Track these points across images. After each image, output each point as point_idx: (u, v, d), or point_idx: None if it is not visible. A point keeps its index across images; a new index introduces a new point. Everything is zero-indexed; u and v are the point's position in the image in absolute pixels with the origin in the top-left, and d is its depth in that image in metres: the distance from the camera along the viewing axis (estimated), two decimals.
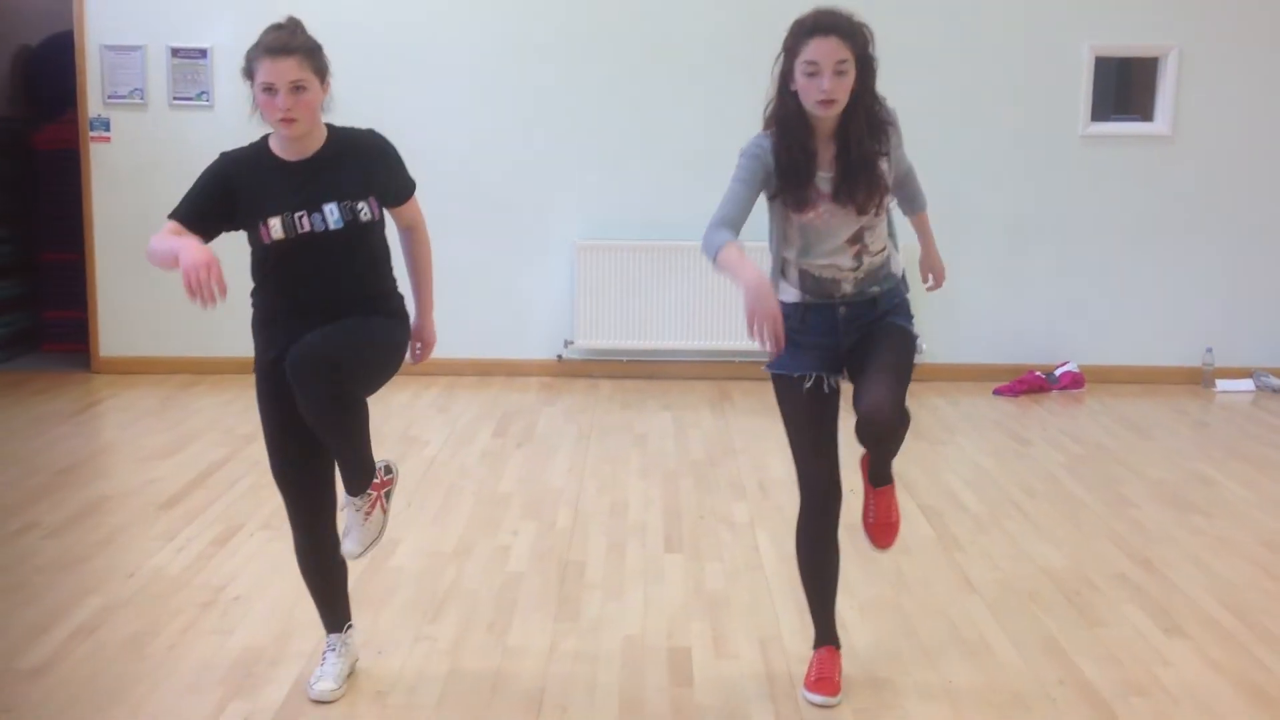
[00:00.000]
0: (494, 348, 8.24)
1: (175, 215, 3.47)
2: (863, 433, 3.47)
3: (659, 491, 5.78)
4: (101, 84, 8.02)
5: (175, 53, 8.01)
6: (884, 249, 3.59)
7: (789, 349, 3.60)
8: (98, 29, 8.00)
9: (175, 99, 8.04)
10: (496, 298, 8.21)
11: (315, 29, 3.55)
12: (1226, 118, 8.09)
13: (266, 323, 3.63)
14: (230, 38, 7.74)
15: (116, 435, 7.00)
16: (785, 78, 3.44)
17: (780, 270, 3.60)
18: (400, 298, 3.74)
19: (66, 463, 6.20)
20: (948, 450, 6.57)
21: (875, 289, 3.58)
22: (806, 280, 3.56)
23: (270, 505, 4.91)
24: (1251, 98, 8.09)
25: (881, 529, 3.81)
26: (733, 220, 3.36)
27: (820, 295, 3.56)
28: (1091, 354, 8.20)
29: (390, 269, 3.71)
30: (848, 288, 3.55)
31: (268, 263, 3.58)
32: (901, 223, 3.77)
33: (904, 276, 3.74)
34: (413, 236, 3.86)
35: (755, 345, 4.86)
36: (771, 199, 3.50)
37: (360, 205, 3.54)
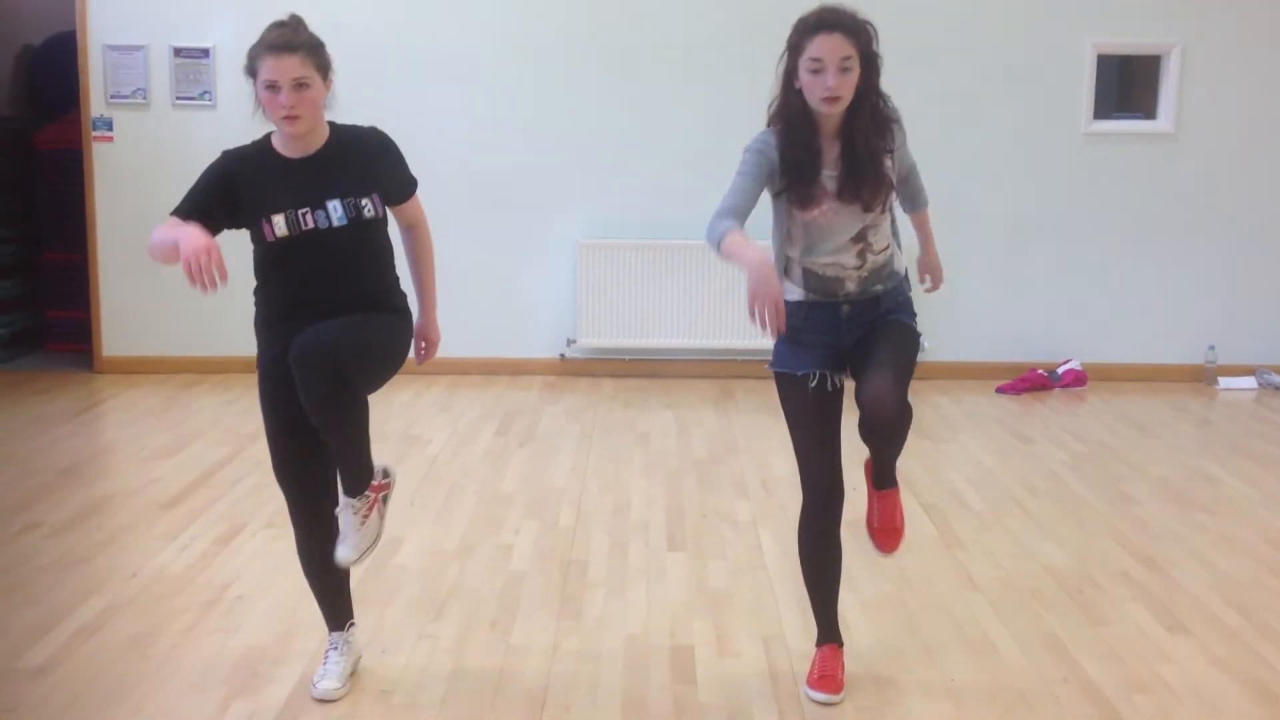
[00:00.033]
0: (496, 347, 8.24)
1: (177, 213, 3.47)
2: (865, 426, 3.46)
3: (661, 490, 5.78)
4: (104, 84, 8.02)
5: (178, 52, 8.01)
6: (887, 247, 3.59)
7: (792, 347, 3.60)
8: (100, 29, 8.00)
9: (178, 98, 8.04)
10: (499, 297, 8.21)
11: (316, 29, 3.56)
12: (1229, 115, 8.08)
13: (269, 320, 3.63)
14: (232, 37, 7.73)
15: (119, 435, 7.01)
16: (789, 75, 3.44)
17: (784, 269, 3.59)
18: (403, 295, 3.75)
19: (69, 462, 6.21)
20: (950, 448, 6.56)
21: (879, 287, 3.58)
22: (810, 279, 3.56)
23: (273, 504, 4.91)
24: (1254, 95, 8.09)
25: (885, 533, 3.78)
26: (737, 210, 3.35)
27: (824, 294, 3.56)
28: (1094, 352, 8.19)
29: (393, 267, 3.71)
30: (851, 286, 3.55)
31: (270, 260, 3.58)
32: (901, 221, 3.77)
33: (907, 275, 3.74)
34: (415, 235, 3.86)
35: (755, 345, 4.80)
36: (776, 196, 3.50)
37: (364, 202, 3.55)
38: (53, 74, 8.90)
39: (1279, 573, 4.81)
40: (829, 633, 3.82)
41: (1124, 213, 8.17)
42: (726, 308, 8.04)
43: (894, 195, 3.58)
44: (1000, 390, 7.90)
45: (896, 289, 3.63)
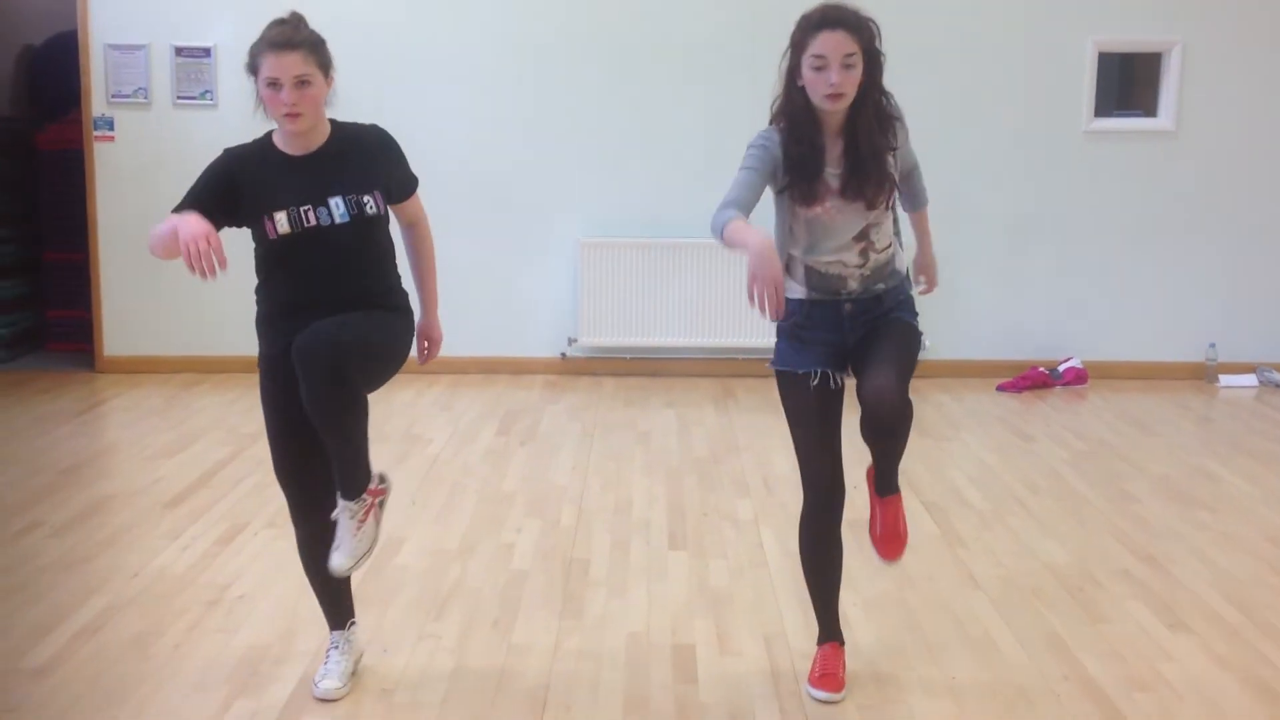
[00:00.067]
0: (497, 346, 8.24)
1: (179, 211, 3.47)
2: (867, 424, 3.45)
3: (663, 489, 5.78)
4: (105, 83, 8.02)
5: (179, 51, 8.01)
6: (889, 246, 3.59)
7: (793, 345, 3.60)
8: (101, 28, 8.01)
9: (179, 98, 8.04)
10: (500, 296, 8.21)
11: (316, 28, 3.56)
12: (1230, 113, 8.08)
13: (271, 318, 3.64)
14: (233, 36, 7.73)
15: (120, 435, 7.01)
16: (792, 73, 3.44)
17: (786, 267, 3.59)
18: (405, 294, 3.75)
19: (70, 462, 6.21)
20: (952, 446, 6.57)
21: (880, 286, 3.58)
22: (812, 277, 3.56)
23: (274, 504, 4.91)
24: (1255, 92, 8.09)
25: (888, 541, 3.74)
26: (740, 202, 3.34)
27: (826, 292, 3.56)
28: (1095, 350, 8.19)
29: (395, 265, 3.72)
30: (854, 285, 3.55)
31: (272, 258, 3.58)
32: (900, 220, 3.76)
33: (909, 274, 3.74)
34: (415, 233, 3.87)
35: (756, 344, 4.77)
36: (779, 193, 3.50)
37: (366, 199, 3.55)
38: (54, 74, 8.91)
39: (1279, 570, 4.83)
40: (830, 631, 3.83)
41: (1125, 210, 8.17)
42: (727, 306, 8.05)
43: (896, 193, 3.58)
44: (1001, 388, 7.90)
45: (898, 287, 3.63)
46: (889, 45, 3.48)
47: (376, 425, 3.67)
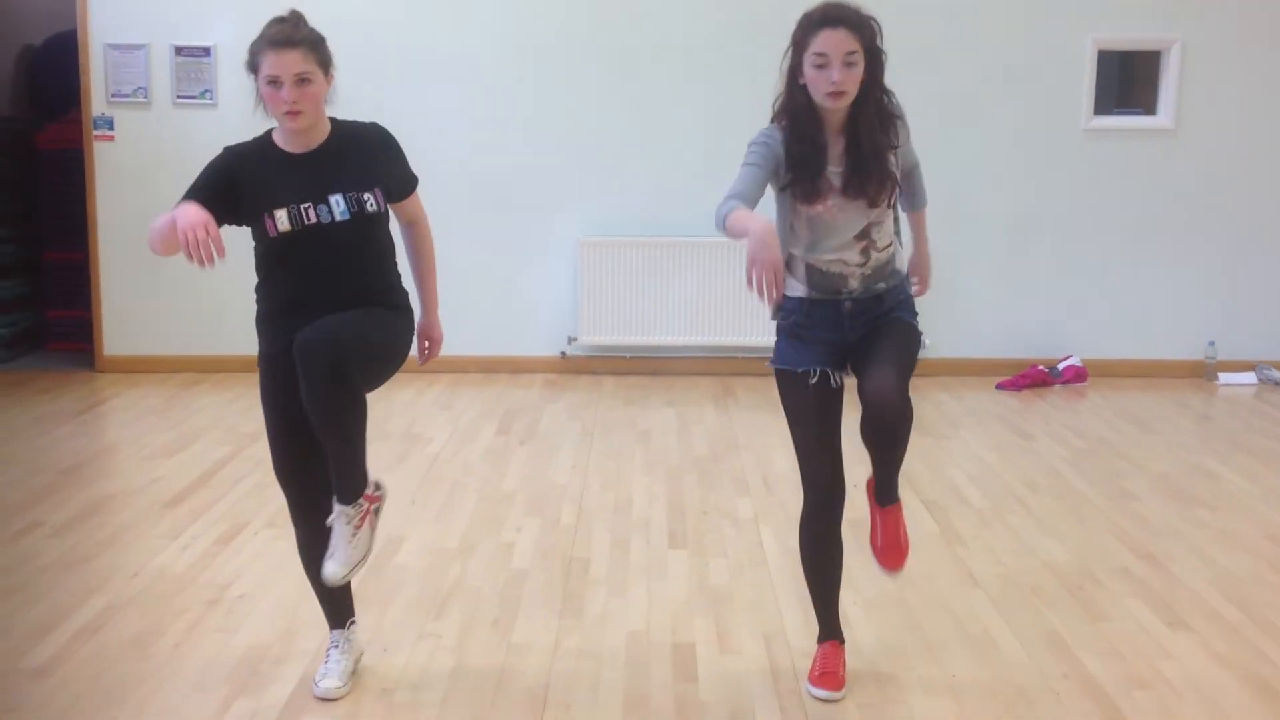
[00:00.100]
0: (497, 345, 8.24)
1: None
2: (867, 424, 3.44)
3: (662, 488, 5.78)
4: (105, 83, 8.02)
5: (179, 51, 8.01)
6: (890, 245, 3.59)
7: (793, 344, 3.60)
8: (101, 28, 8.01)
9: (179, 97, 8.04)
10: (499, 295, 8.21)
11: (316, 27, 3.56)
12: (1229, 111, 8.08)
13: (271, 316, 3.64)
14: (233, 36, 7.72)
15: (120, 434, 7.02)
16: (794, 72, 3.44)
17: (787, 265, 3.59)
18: (405, 292, 3.75)
19: (70, 462, 6.21)
20: (951, 445, 6.57)
21: (881, 285, 3.58)
22: (813, 275, 3.55)
23: (274, 504, 4.91)
24: (1254, 90, 8.09)
25: (889, 551, 3.72)
26: (743, 195, 3.32)
27: (826, 291, 3.56)
28: (1094, 348, 8.19)
29: (395, 263, 3.72)
30: (854, 283, 3.55)
31: (273, 256, 3.58)
32: (899, 220, 3.76)
33: (909, 273, 3.74)
34: (415, 232, 3.87)
35: (756, 343, 4.72)
36: (781, 190, 3.50)
37: (366, 196, 3.55)
38: (53, 73, 8.91)
39: (1279, 568, 4.81)
40: (830, 630, 3.83)
41: (1124, 208, 8.17)
42: (727, 305, 8.05)
43: (897, 191, 3.58)
44: (1001, 386, 7.90)
45: (899, 287, 3.63)
46: (889, 44, 3.48)
47: (376, 424, 3.67)
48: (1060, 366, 8.01)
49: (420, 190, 3.83)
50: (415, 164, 3.77)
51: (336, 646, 3.83)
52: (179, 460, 6.19)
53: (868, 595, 4.44)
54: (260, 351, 3.67)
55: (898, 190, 3.56)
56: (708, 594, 4.53)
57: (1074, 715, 3.64)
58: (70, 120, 8.40)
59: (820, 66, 3.37)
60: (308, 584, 3.86)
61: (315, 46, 3.50)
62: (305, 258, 3.55)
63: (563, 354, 8.29)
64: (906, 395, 3.45)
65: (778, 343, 3.67)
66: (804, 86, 3.42)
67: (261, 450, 4.14)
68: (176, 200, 3.48)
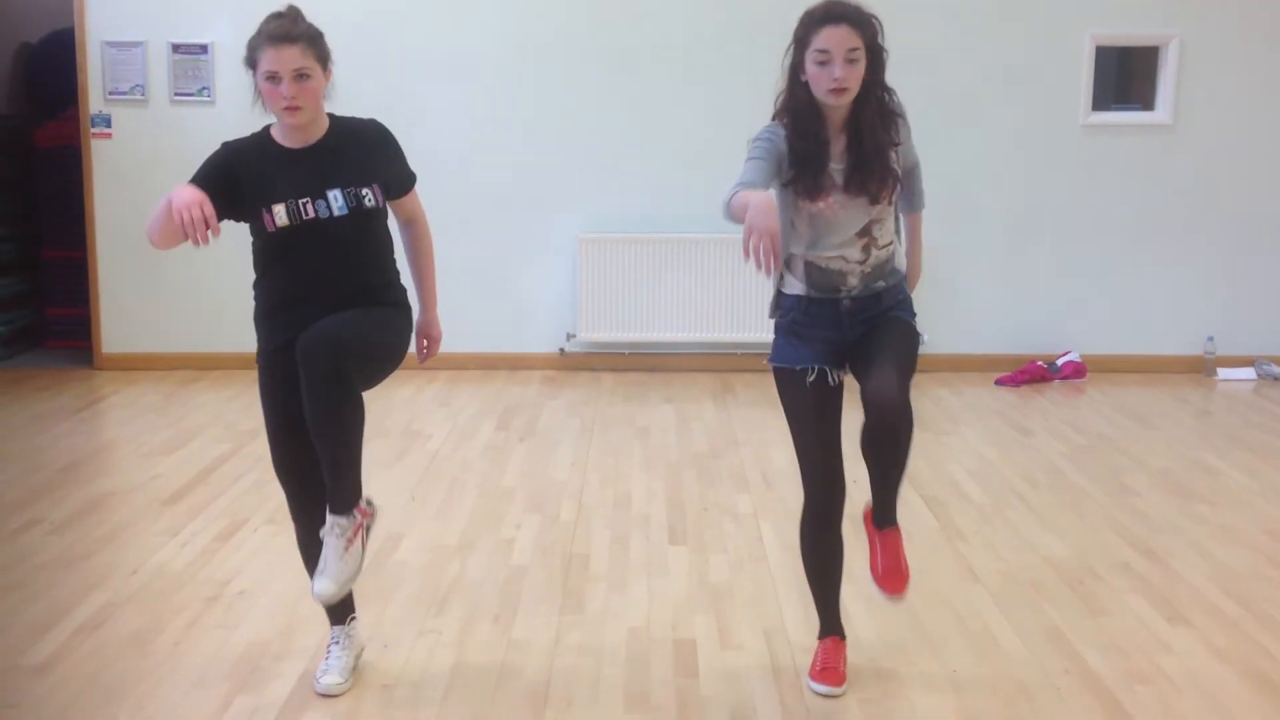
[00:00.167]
0: (496, 342, 8.25)
1: None
2: (869, 425, 3.42)
3: (662, 484, 5.78)
4: (102, 80, 8.02)
5: (176, 48, 8.01)
6: (891, 243, 3.59)
7: (791, 341, 3.60)
8: (98, 25, 8.00)
9: (176, 95, 8.04)
10: (499, 292, 8.21)
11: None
12: (1227, 106, 8.09)
13: (270, 312, 3.63)
14: (231, 33, 7.73)
15: (119, 431, 7.01)
16: (796, 69, 3.44)
17: (787, 263, 3.58)
18: (403, 289, 3.75)
19: (69, 459, 6.21)
20: (951, 440, 6.57)
21: (880, 284, 3.57)
22: (812, 273, 3.55)
23: (273, 500, 4.91)
24: (1252, 86, 8.09)
25: (890, 576, 3.68)
26: (750, 185, 3.30)
27: (825, 289, 3.55)
28: (1093, 343, 8.20)
29: (393, 260, 3.71)
30: (854, 281, 3.54)
31: (271, 251, 3.58)
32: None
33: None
34: (414, 230, 3.86)
35: (755, 339, 4.69)
36: (784, 186, 3.49)
37: (364, 192, 3.55)
38: (51, 71, 8.90)
39: (1278, 563, 4.82)
40: (831, 625, 3.83)
41: (1123, 204, 8.17)
42: (726, 302, 8.06)
43: (899, 189, 3.57)
44: (1000, 382, 7.91)
45: (898, 286, 3.62)
46: (887, 41, 3.48)
47: (375, 421, 3.67)
48: (1059, 362, 8.02)
49: (420, 188, 3.82)
50: (415, 162, 3.77)
51: (337, 643, 3.83)
52: (178, 457, 6.18)
53: (868, 591, 4.39)
54: (259, 348, 3.66)
55: (899, 187, 3.55)
56: (708, 590, 4.53)
57: (1075, 710, 3.64)
58: (68, 118, 8.39)
59: (822, 63, 3.36)
60: (308, 580, 3.85)
61: (314, 42, 3.50)
62: (303, 253, 3.54)
63: (562, 351, 8.29)
64: (908, 398, 3.43)
65: (776, 340, 3.66)
66: (806, 84, 3.41)
67: (261, 447, 4.13)
68: None
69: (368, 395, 3.52)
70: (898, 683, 3.80)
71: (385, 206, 3.65)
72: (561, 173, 8.16)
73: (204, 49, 7.99)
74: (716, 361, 8.25)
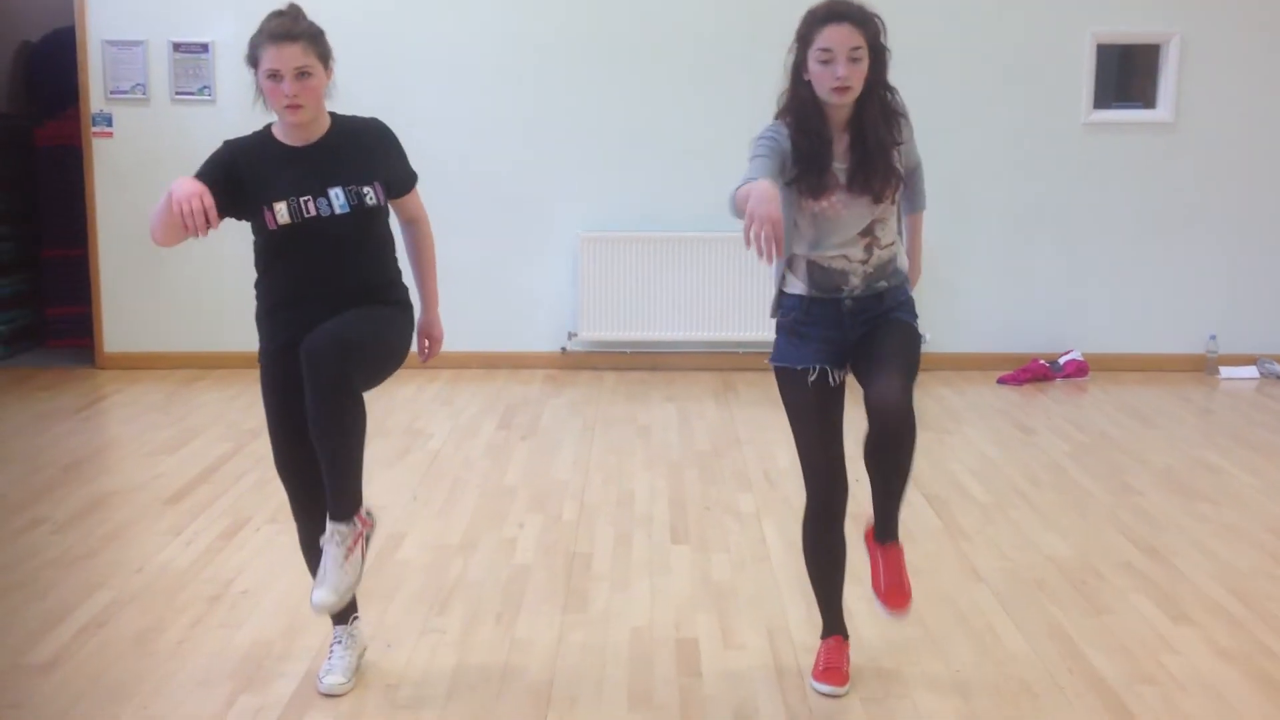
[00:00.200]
0: (498, 341, 8.24)
1: None
2: (873, 430, 3.41)
3: (664, 483, 5.78)
4: (103, 79, 8.02)
5: (177, 47, 8.01)
6: (893, 243, 3.58)
7: (792, 341, 3.59)
8: (99, 24, 8.00)
9: (177, 94, 8.04)
10: (500, 291, 8.21)
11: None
12: (1229, 104, 8.09)
13: (271, 311, 3.63)
14: (231, 32, 7.73)
15: (121, 430, 7.01)
16: (799, 68, 3.44)
17: (789, 264, 3.58)
18: (405, 288, 3.75)
19: (72, 458, 6.21)
20: (953, 439, 6.57)
21: (882, 284, 3.56)
22: (814, 272, 3.54)
23: (276, 499, 4.90)
24: (1253, 84, 8.09)
25: (893, 593, 3.64)
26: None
27: (827, 289, 3.54)
28: (1095, 342, 8.20)
29: (395, 259, 3.71)
30: (856, 281, 3.53)
31: (272, 249, 3.57)
32: None
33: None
34: (416, 230, 3.86)
35: (756, 338, 4.66)
36: (787, 185, 3.49)
37: (365, 190, 3.54)
38: (52, 70, 8.90)
39: None
40: (834, 625, 3.82)
41: (1125, 202, 8.17)
42: (727, 300, 8.06)
43: (902, 188, 3.57)
44: (1002, 381, 7.90)
45: (900, 287, 3.60)
46: (888, 40, 3.48)
47: (377, 421, 3.67)
48: (1061, 361, 8.02)
49: (421, 187, 3.82)
50: (416, 161, 3.77)
51: (340, 642, 3.82)
52: (180, 456, 6.18)
53: (871, 590, 4.42)
54: (260, 348, 3.66)
55: (902, 186, 3.55)
56: (711, 589, 4.53)
57: (1078, 710, 3.64)
58: (69, 117, 8.40)
59: (825, 62, 3.36)
60: (310, 580, 3.85)
61: (315, 40, 3.50)
62: (305, 251, 3.54)
63: (563, 349, 8.28)
64: (911, 405, 3.41)
65: (777, 340, 3.66)
66: (809, 83, 3.41)
67: (263, 446, 4.13)
68: None
69: (369, 395, 3.52)
70: (901, 682, 3.80)
71: (387, 205, 3.65)
72: (563, 172, 8.16)
73: (205, 48, 7.99)
74: (718, 360, 8.25)
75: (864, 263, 3.52)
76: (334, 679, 3.73)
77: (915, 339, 3.57)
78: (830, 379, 3.57)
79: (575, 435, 6.68)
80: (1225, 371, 8.08)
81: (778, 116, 3.49)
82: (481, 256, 8.08)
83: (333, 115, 3.61)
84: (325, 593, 3.47)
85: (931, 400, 7.30)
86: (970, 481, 5.79)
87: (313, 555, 3.73)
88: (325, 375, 3.35)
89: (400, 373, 3.76)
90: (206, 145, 3.65)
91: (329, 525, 3.50)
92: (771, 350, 3.68)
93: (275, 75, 3.44)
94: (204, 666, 3.90)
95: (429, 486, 5.72)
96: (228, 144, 3.58)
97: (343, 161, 3.55)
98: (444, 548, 4.93)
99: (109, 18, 7.99)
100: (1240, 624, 4.21)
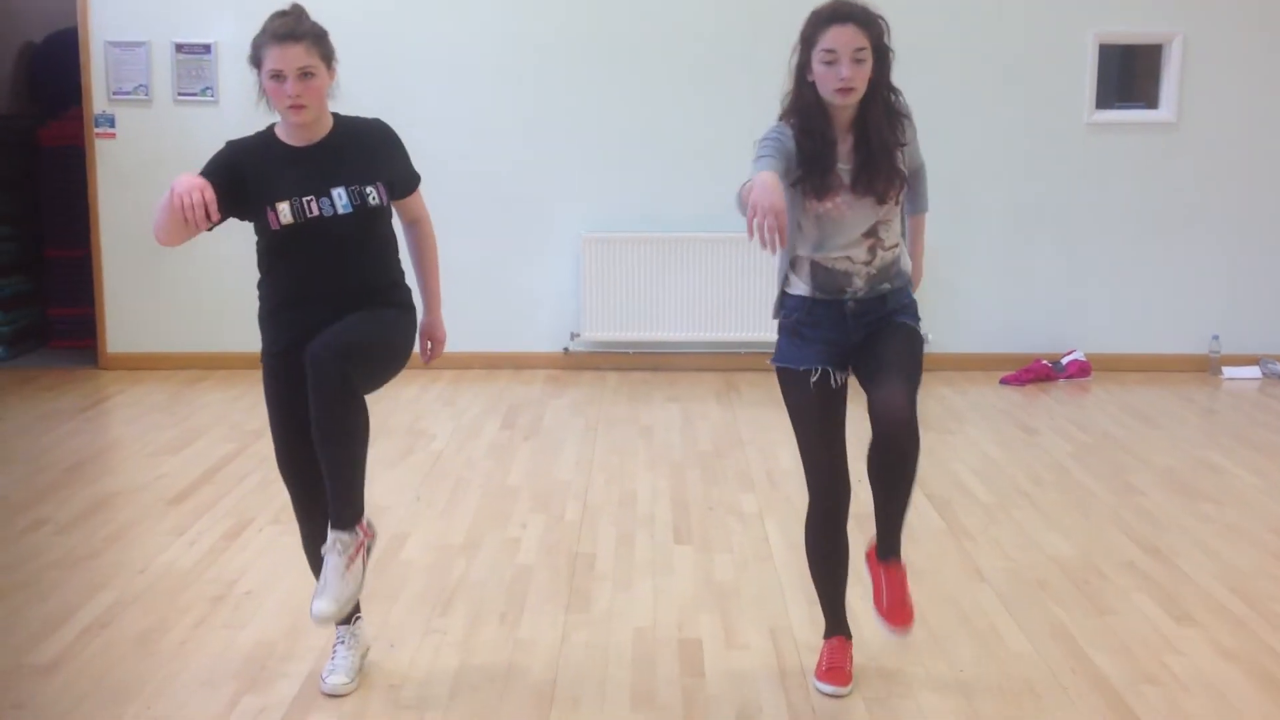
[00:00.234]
0: (500, 341, 8.24)
1: None
2: (877, 440, 3.42)
3: (667, 483, 5.78)
4: (106, 80, 8.02)
5: (179, 48, 8.01)
6: (897, 244, 3.58)
7: (794, 342, 3.59)
8: (102, 25, 8.00)
9: (180, 95, 8.04)
10: (503, 291, 8.21)
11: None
12: (1231, 104, 8.08)
13: (273, 312, 3.63)
14: (234, 33, 7.73)
15: (124, 431, 7.01)
16: (802, 69, 3.44)
17: (792, 265, 3.58)
18: (408, 290, 3.75)
19: (75, 459, 6.21)
20: (956, 440, 6.57)
21: (886, 286, 3.56)
22: (818, 274, 3.54)
23: (279, 500, 4.91)
24: (1256, 84, 8.09)
25: (896, 611, 3.64)
26: None
27: (830, 290, 3.53)
28: (1098, 342, 8.19)
29: (398, 260, 3.72)
30: (859, 282, 3.53)
31: (275, 249, 3.58)
32: None
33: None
34: (418, 231, 3.86)
35: (759, 338, 4.62)
36: (791, 186, 3.48)
37: (368, 190, 3.55)
38: (54, 70, 8.90)
39: None
40: (837, 625, 3.82)
41: (1127, 202, 8.17)
42: (730, 300, 8.06)
43: (905, 189, 3.57)
44: (1004, 381, 7.90)
45: (903, 289, 3.60)
46: (891, 40, 3.48)
47: (379, 421, 3.66)
48: (1064, 361, 8.01)
49: (422, 188, 3.82)
50: (417, 161, 3.77)
51: (343, 643, 3.82)
52: (183, 457, 6.18)
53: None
54: (263, 348, 3.66)
55: (905, 188, 3.55)
56: (713, 589, 4.53)
57: (1081, 710, 3.64)
58: (71, 117, 8.40)
59: (829, 63, 3.36)
60: (313, 580, 3.84)
61: (318, 40, 3.50)
62: (307, 251, 3.54)
63: (566, 350, 8.28)
64: (915, 417, 3.41)
65: (779, 340, 3.66)
66: (812, 84, 3.41)
67: (266, 447, 4.13)
68: None
69: (370, 396, 3.53)
70: (903, 682, 3.80)
71: (389, 205, 3.65)
72: (564, 172, 8.16)
73: (207, 49, 7.99)
74: (721, 360, 8.25)
75: (867, 264, 3.52)
76: (337, 679, 3.73)
77: (918, 345, 3.57)
78: (832, 380, 3.57)
79: (578, 436, 6.68)
80: (1228, 372, 8.07)
81: (782, 118, 3.49)
82: (482, 257, 8.08)
83: (336, 116, 3.62)
84: (326, 603, 3.47)
85: (934, 401, 7.30)
86: (973, 481, 5.79)
87: (315, 555, 3.73)
88: (330, 382, 3.35)
89: (403, 373, 3.76)
90: (209, 146, 3.65)
91: (331, 534, 3.50)
92: (774, 351, 3.68)
93: (278, 75, 3.44)
94: (207, 667, 3.90)
95: (432, 487, 5.73)
96: (230, 144, 3.59)
97: (346, 162, 3.56)
98: (447, 548, 4.94)
99: (111, 19, 7.99)
100: (1243, 624, 4.21)
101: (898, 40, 3.50)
